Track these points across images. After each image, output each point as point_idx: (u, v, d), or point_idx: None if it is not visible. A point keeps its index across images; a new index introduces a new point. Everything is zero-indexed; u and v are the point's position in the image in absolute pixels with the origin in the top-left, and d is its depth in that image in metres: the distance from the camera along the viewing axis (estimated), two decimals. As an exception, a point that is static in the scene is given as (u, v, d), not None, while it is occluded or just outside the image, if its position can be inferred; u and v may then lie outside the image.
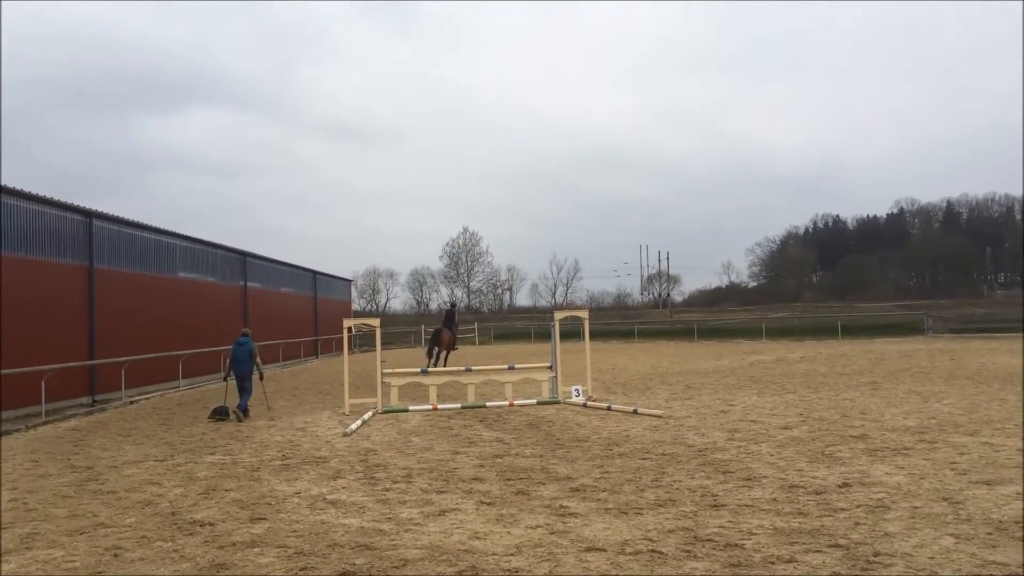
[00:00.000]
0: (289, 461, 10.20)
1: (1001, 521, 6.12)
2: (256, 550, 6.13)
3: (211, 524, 7.00)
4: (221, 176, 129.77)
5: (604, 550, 5.76)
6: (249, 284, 34.38)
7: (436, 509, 7.24)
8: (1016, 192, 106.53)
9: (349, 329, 16.59)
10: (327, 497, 7.96)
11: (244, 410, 15.03)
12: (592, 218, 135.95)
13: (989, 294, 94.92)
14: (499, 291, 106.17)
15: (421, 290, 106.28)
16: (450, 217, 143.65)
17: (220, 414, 15.12)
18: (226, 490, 8.49)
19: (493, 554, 5.76)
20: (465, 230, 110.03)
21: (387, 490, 8.18)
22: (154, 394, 21.84)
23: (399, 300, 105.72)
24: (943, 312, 52.38)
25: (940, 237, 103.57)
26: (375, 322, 16.68)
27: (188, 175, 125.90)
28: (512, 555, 5.72)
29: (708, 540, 5.92)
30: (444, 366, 26.57)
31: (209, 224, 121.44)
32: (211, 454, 11.03)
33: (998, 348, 28.87)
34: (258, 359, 16.04)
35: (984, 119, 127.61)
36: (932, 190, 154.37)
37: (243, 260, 33.96)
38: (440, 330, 29.53)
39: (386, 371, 16.10)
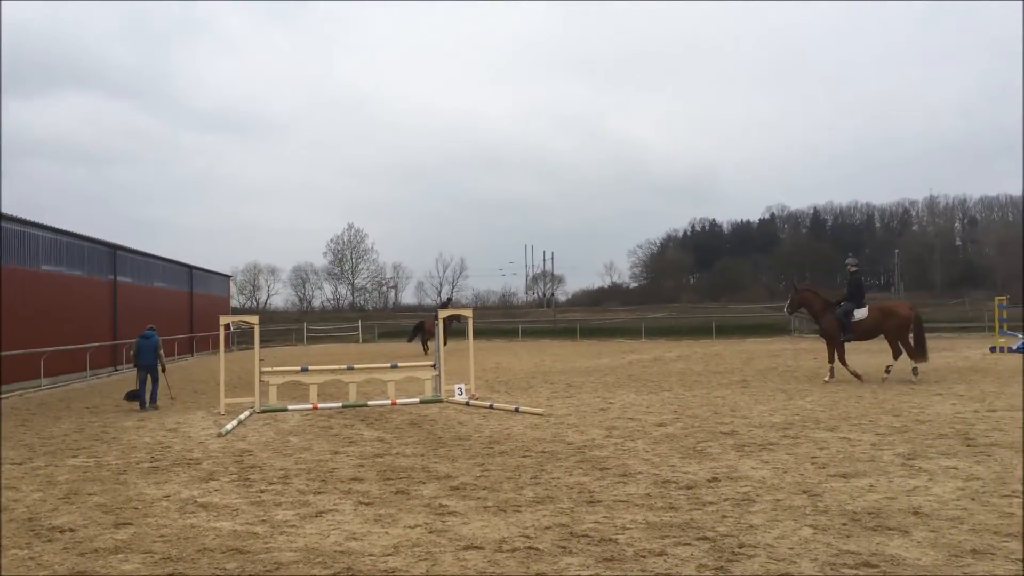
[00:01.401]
0: (158, 463, 9.81)
1: (855, 512, 6.50)
2: (120, 556, 5.87)
3: (72, 530, 6.66)
4: (90, 165, 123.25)
5: (482, 548, 5.80)
6: (119, 278, 32.82)
7: (313, 510, 7.12)
8: (876, 201, 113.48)
9: (226, 326, 16.09)
10: (198, 500, 7.69)
11: (153, 401, 16.36)
12: (479, 217, 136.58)
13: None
14: (384, 289, 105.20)
15: (304, 287, 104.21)
16: (336, 213, 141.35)
17: (133, 397, 16.36)
18: (89, 494, 8.09)
19: (370, 555, 5.72)
20: (350, 226, 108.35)
21: (262, 492, 7.99)
22: (13, 394, 20.56)
23: (281, 297, 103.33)
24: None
25: (807, 242, 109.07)
26: (254, 319, 16.23)
27: (54, 163, 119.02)
28: (390, 555, 5.69)
29: (584, 535, 6.05)
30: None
31: (77, 215, 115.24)
32: (74, 457, 10.48)
33: (855, 348, 30.62)
34: (161, 352, 16.83)
35: (852, 130, 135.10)
36: (800, 197, 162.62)
37: (113, 253, 32.38)
38: (423, 321, 33.86)
39: (264, 369, 15.71)
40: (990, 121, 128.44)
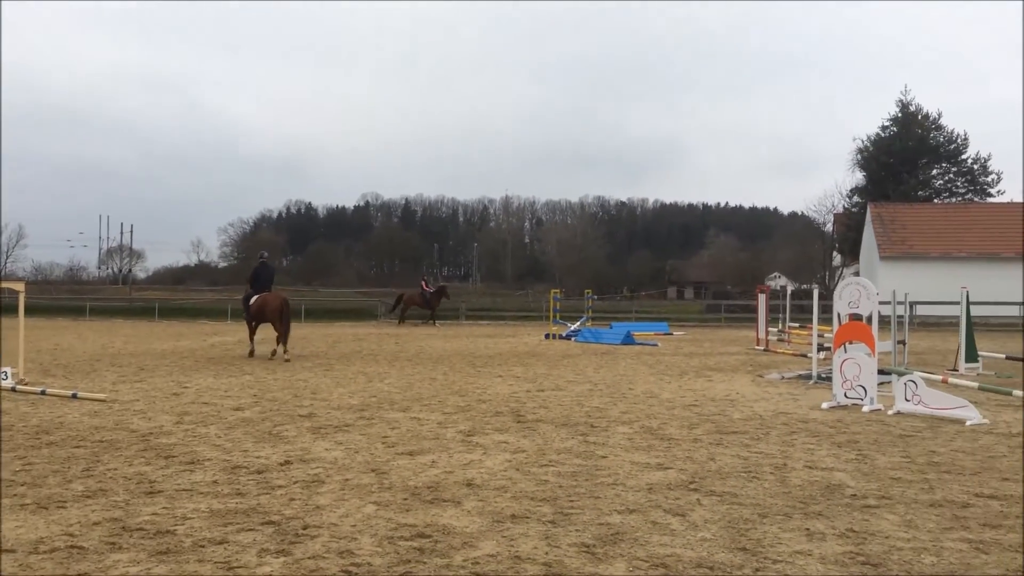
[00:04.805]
0: None
1: (416, 487, 6.92)
2: None
3: None
4: None
5: (14, 551, 5.14)
6: None
7: None
8: (460, 197, 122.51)
9: None
10: None
11: None
12: (45, 182, 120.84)
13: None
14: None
15: None
16: None
17: None
18: None
19: None
20: None
21: None
22: None
23: None
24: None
25: (398, 231, 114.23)
26: None
27: None
28: None
29: (138, 529, 5.65)
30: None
31: None
32: None
33: (435, 334, 32.80)
34: None
35: (444, 128, 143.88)
36: (393, 188, 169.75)
37: None
38: (403, 294, 40.94)
39: None
40: (562, 135, 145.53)
